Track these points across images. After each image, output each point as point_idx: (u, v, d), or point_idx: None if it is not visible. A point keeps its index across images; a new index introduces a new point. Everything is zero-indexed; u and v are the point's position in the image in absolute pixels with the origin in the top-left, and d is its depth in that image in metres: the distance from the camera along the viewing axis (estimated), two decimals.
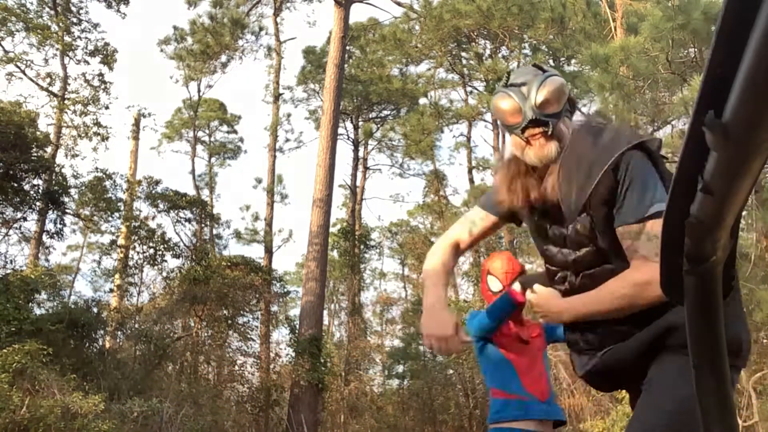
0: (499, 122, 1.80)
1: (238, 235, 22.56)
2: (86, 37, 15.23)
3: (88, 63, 15.20)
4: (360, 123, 23.11)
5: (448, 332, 1.74)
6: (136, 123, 18.34)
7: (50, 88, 14.60)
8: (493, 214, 1.94)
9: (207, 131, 24.18)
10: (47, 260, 14.25)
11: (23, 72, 14.11)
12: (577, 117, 1.82)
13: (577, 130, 1.75)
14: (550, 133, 1.67)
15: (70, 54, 14.89)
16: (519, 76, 1.74)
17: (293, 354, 14.17)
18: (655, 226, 1.55)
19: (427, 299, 1.85)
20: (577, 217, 1.69)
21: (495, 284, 3.09)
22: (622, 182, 1.63)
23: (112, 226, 15.06)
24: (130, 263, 14.77)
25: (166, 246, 14.64)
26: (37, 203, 12.50)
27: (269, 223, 19.30)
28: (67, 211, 13.40)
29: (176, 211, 15.37)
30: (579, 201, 1.65)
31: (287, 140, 22.59)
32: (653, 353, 1.68)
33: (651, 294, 1.54)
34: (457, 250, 1.99)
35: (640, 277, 1.57)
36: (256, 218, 22.74)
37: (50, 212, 12.94)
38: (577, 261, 1.74)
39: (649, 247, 1.57)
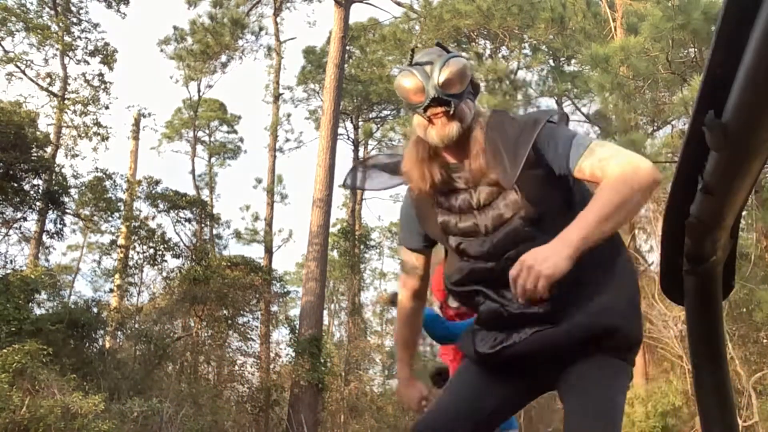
0: (402, 102, 1.77)
1: (238, 235, 22.55)
2: (86, 37, 15.23)
3: (88, 63, 15.20)
4: (360, 123, 23.11)
5: (417, 406, 2.03)
6: (136, 123, 18.33)
7: (50, 88, 14.60)
8: (418, 248, 1.92)
9: (207, 131, 24.18)
10: (47, 260, 14.26)
11: (23, 72, 14.12)
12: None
13: (493, 113, 1.80)
14: (452, 112, 1.66)
15: (70, 54, 14.89)
16: (423, 56, 1.74)
17: (293, 354, 14.17)
18: (599, 144, 1.61)
19: (398, 373, 2.11)
20: (502, 191, 1.68)
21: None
22: (547, 145, 1.66)
23: (112, 226, 15.06)
24: (130, 263, 14.77)
25: (166, 246, 14.63)
26: (37, 203, 12.50)
27: (269, 223, 19.29)
28: (67, 211, 13.40)
29: (176, 211, 15.36)
30: (514, 173, 1.62)
31: (287, 140, 22.60)
32: (582, 352, 1.64)
33: (643, 173, 1.50)
34: (418, 295, 2.03)
35: (625, 158, 1.54)
36: (256, 218, 22.74)
37: (50, 212, 12.94)
38: (499, 243, 1.69)
39: (608, 151, 1.58)
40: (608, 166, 1.54)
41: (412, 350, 2.09)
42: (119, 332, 13.62)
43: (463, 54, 1.75)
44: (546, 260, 1.41)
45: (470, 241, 1.73)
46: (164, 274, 14.90)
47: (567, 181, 1.68)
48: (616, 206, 1.46)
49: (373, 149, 23.84)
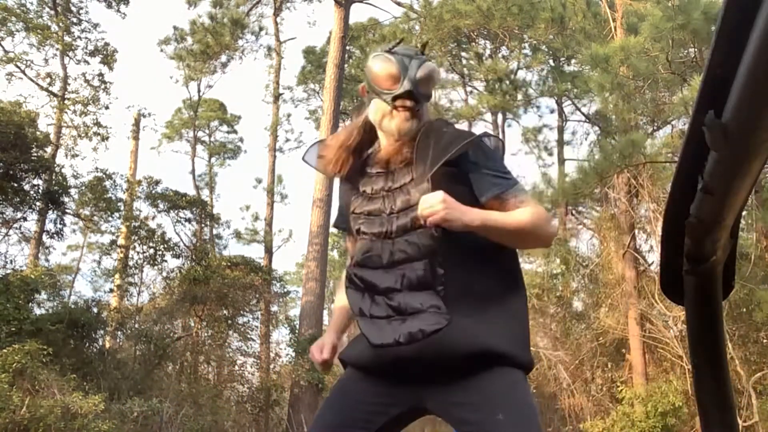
0: (367, 83, 1.79)
1: (238, 235, 22.58)
2: (86, 37, 15.24)
3: (88, 63, 15.20)
4: None
5: (317, 355, 1.88)
6: (136, 123, 18.34)
7: (50, 88, 14.61)
8: (346, 228, 1.88)
9: (207, 131, 24.19)
10: (47, 260, 14.27)
11: (23, 72, 14.12)
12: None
13: (437, 119, 1.84)
14: (417, 110, 1.72)
15: (70, 54, 14.89)
16: (405, 50, 1.77)
17: (293, 354, 14.17)
18: (521, 195, 1.71)
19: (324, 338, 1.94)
20: (419, 185, 1.70)
21: None
22: (476, 162, 1.72)
23: (112, 226, 15.06)
24: (130, 263, 14.76)
25: (166, 246, 14.63)
26: (37, 203, 12.50)
27: (269, 223, 19.31)
28: (67, 211, 13.39)
29: (176, 211, 15.36)
30: (431, 168, 1.69)
31: (287, 140, 22.63)
32: (476, 366, 1.58)
33: (551, 228, 1.72)
34: None
35: (543, 210, 1.70)
36: (256, 218, 22.78)
37: (50, 212, 12.94)
38: (401, 224, 1.69)
39: (531, 198, 1.73)
40: (530, 204, 1.68)
41: (343, 318, 1.97)
42: (119, 332, 13.62)
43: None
44: (454, 209, 1.55)
45: (372, 219, 1.75)
46: (164, 274, 14.90)
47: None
48: (520, 227, 1.63)
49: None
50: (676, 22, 8.76)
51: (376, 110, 1.76)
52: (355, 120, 1.89)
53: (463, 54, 20.88)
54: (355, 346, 1.75)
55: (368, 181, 1.80)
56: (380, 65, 1.73)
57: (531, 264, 16.90)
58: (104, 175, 14.13)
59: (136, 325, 13.77)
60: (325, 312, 17.53)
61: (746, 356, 11.39)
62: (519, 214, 1.64)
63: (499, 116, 20.48)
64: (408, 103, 1.70)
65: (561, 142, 20.54)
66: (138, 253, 14.87)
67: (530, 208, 1.66)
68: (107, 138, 14.69)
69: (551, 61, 19.57)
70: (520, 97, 19.26)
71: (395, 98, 1.70)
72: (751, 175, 0.61)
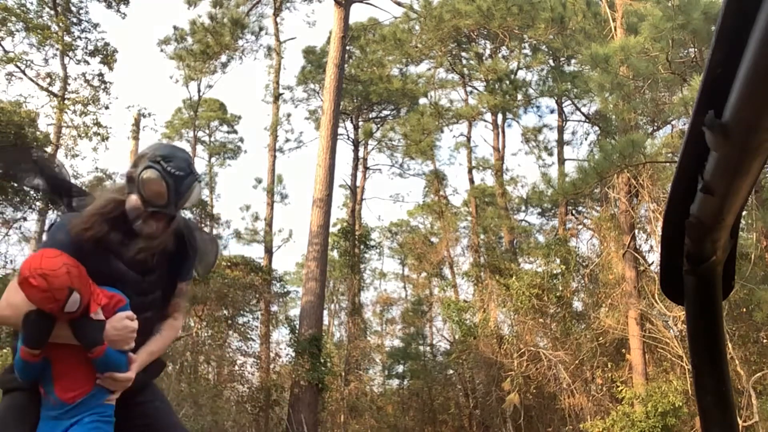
0: (136, 181, 1.95)
1: (238, 235, 22.57)
2: (86, 37, 15.24)
3: (88, 63, 15.20)
4: (360, 123, 23.11)
5: None
6: (136, 123, 18.33)
7: (50, 88, 14.60)
8: None
9: (207, 131, 24.20)
10: None
11: (23, 72, 14.11)
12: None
13: (184, 223, 2.18)
14: (169, 223, 1.99)
15: (70, 54, 14.89)
16: (178, 168, 1.92)
17: (293, 354, 14.17)
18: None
19: None
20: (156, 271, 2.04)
21: None
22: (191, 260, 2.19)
23: None
24: None
25: None
26: (37, 203, 12.50)
27: (269, 223, 19.30)
28: None
29: None
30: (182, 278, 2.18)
31: (287, 140, 22.61)
32: None
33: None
34: None
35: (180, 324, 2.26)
36: (256, 218, 22.76)
37: (50, 212, 12.94)
38: (145, 304, 2.04)
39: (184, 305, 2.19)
40: (178, 315, 2.30)
41: None
42: None
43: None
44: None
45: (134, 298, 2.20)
46: None
47: None
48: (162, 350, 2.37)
49: (373, 149, 23.87)
50: (676, 22, 8.76)
51: (133, 208, 1.92)
52: (115, 193, 1.99)
53: (463, 54, 20.88)
54: None
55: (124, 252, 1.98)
56: (153, 183, 1.87)
57: (531, 264, 16.91)
58: (104, 175, 14.14)
59: None
60: (325, 312, 17.54)
61: (746, 356, 11.39)
62: (170, 337, 2.20)
63: (499, 116, 20.49)
64: (163, 219, 1.92)
65: (561, 142, 20.55)
66: None
67: (177, 324, 2.22)
68: (107, 138, 14.69)
69: (551, 61, 19.57)
70: (520, 97, 19.26)
71: (154, 213, 1.89)
72: (751, 175, 0.61)
